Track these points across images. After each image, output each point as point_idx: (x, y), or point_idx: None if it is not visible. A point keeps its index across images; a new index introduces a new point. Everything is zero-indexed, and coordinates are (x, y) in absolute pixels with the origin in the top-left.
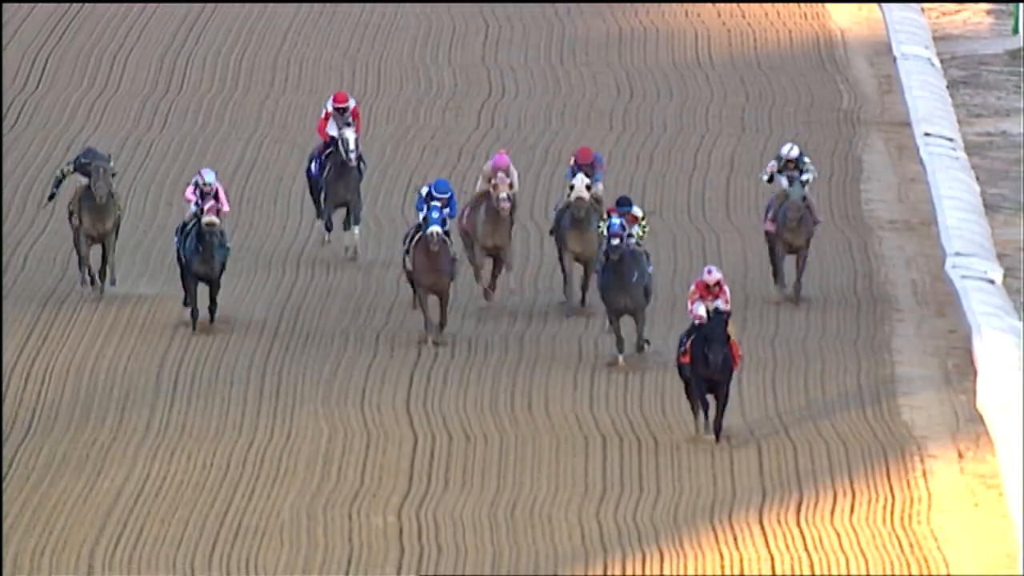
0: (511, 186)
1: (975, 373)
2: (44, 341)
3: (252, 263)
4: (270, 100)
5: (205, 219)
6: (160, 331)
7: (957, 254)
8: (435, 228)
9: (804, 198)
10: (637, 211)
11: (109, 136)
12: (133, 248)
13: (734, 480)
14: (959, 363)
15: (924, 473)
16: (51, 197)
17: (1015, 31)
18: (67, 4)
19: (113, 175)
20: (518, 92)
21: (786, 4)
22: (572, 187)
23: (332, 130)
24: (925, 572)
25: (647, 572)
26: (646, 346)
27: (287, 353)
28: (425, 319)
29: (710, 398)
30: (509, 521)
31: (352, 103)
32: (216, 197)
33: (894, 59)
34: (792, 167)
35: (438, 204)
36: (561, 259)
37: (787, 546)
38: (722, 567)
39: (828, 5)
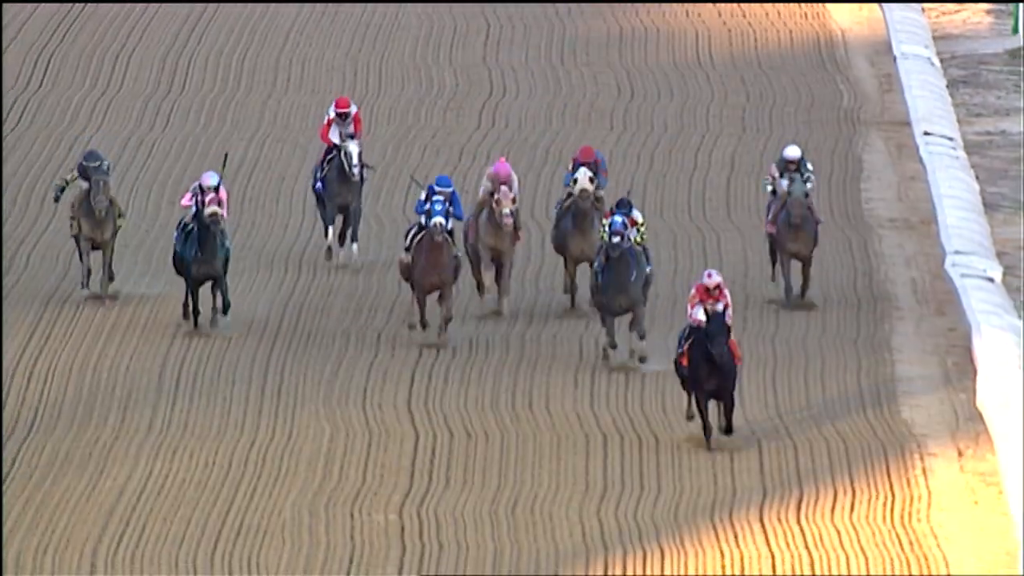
0: (514, 200)
1: (975, 371)
2: (47, 340)
3: (254, 262)
4: (272, 100)
5: (208, 210)
6: (162, 330)
7: (957, 252)
8: (438, 219)
9: (807, 195)
10: (637, 215)
11: (111, 136)
12: (136, 248)
13: (735, 478)
14: (959, 361)
15: (924, 471)
16: (56, 200)
17: (1015, 31)
18: (69, 4)
19: (110, 171)
20: (519, 92)
21: (787, 4)
22: (575, 180)
23: (335, 136)
24: (925, 570)
25: (648, 570)
26: (640, 361)
27: (289, 352)
28: (420, 317)
29: (712, 403)
30: (510, 519)
31: (354, 109)
32: (217, 192)
33: (894, 58)
34: (793, 168)
35: (440, 198)
36: (566, 263)
37: (787, 544)
38: (723, 565)
39: (828, 5)
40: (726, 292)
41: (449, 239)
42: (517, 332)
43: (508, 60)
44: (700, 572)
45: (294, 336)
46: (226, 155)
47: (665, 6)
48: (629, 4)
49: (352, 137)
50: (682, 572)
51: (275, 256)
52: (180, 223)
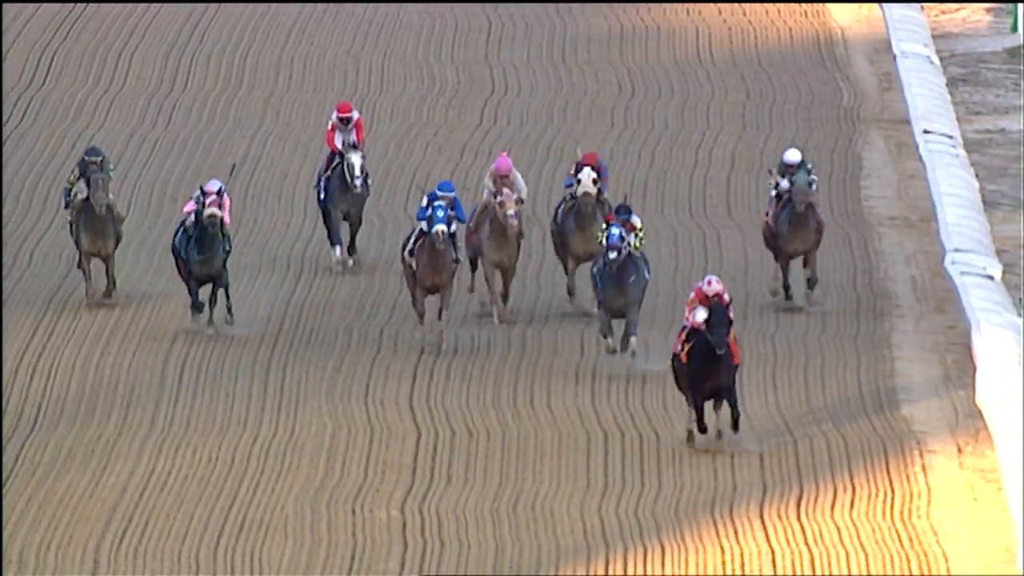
0: (518, 201)
1: (974, 369)
2: (50, 337)
3: (256, 259)
4: (274, 97)
5: (207, 211)
6: (165, 327)
7: (956, 250)
8: (440, 227)
9: (810, 184)
10: (636, 220)
11: (114, 133)
12: (138, 245)
13: (735, 475)
14: (958, 359)
15: (923, 468)
16: (67, 206)
17: (1014, 29)
18: (72, 3)
19: (107, 165)
20: (521, 89)
21: (787, 2)
22: (579, 181)
23: (339, 142)
24: (924, 566)
25: (649, 566)
26: (632, 355)
27: (291, 349)
28: (419, 317)
29: (709, 408)
30: (511, 516)
31: (356, 114)
32: (219, 196)
33: (894, 57)
34: (794, 172)
35: (443, 203)
36: (564, 262)
37: (787, 540)
38: (723, 562)
39: (828, 3)
40: (726, 297)
41: (452, 244)
42: (518, 330)
43: (510, 58)
44: (700, 568)
45: (296, 333)
46: (233, 165)
47: (666, 4)
48: (630, 3)
49: (355, 147)
50: (683, 568)
51: (277, 253)
52: (181, 224)
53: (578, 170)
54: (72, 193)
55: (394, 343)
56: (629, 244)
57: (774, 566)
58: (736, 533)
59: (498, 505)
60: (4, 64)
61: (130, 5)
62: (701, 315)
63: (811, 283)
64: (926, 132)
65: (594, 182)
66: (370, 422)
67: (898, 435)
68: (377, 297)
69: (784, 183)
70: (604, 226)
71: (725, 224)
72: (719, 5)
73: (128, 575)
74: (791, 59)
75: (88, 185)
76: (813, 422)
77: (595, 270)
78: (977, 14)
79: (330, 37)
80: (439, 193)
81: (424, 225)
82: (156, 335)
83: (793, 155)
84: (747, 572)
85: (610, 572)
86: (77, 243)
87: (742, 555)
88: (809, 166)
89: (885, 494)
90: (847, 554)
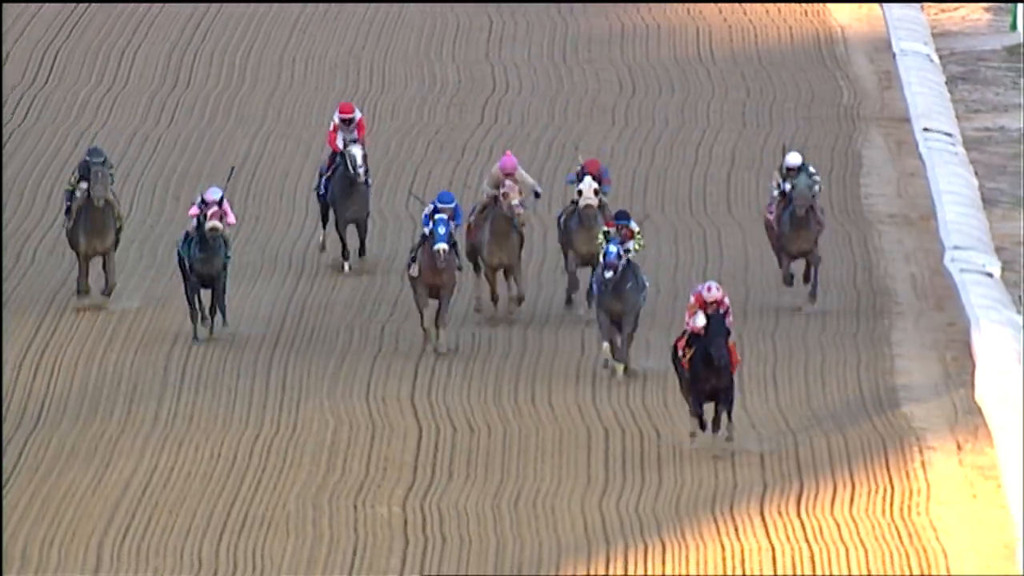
0: (521, 192)
1: (973, 366)
2: (53, 334)
3: (258, 257)
4: (276, 96)
5: (208, 224)
6: (167, 324)
7: (956, 248)
8: (442, 246)
9: (811, 187)
10: (634, 226)
11: (116, 131)
12: (140, 243)
13: (735, 472)
14: (958, 356)
15: (923, 464)
16: (67, 211)
17: (1013, 27)
18: (75, 2)
19: (112, 171)
20: (521, 88)
21: (787, 1)
22: (580, 192)
23: (340, 142)
24: (924, 562)
25: (649, 563)
26: (627, 368)
27: (293, 346)
28: (422, 321)
29: (710, 405)
30: (512, 512)
31: (357, 115)
32: (220, 205)
33: (893, 55)
34: (794, 175)
35: (444, 216)
36: (566, 262)
37: (787, 537)
38: (723, 558)
39: (828, 2)
40: (726, 301)
41: (454, 254)
42: (520, 325)
43: (511, 57)
44: (701, 565)
45: (298, 330)
46: (232, 169)
47: (666, 3)
48: (631, 2)
49: (355, 142)
50: (683, 565)
51: (279, 251)
52: (185, 233)
53: (581, 175)
54: (73, 196)
55: (395, 341)
56: (628, 251)
57: (774, 563)
58: (736, 530)
59: (499, 502)
60: (7, 62)
61: (132, 3)
62: (701, 320)
63: (812, 296)
64: (926, 130)
65: (595, 192)
66: (371, 419)
67: (898, 432)
68: (379, 294)
69: (786, 185)
70: (603, 236)
71: (725, 222)
72: (719, 4)
73: (131, 572)
74: (791, 57)
75: (88, 187)
76: (813, 419)
77: (594, 279)
78: (976, 12)
79: (332, 36)
80: (439, 205)
81: (427, 229)
82: (159, 333)
83: (794, 158)
84: (747, 569)
85: (611, 569)
86: (74, 244)
87: (743, 552)
88: (811, 169)
89: (885, 491)
90: (847, 551)
